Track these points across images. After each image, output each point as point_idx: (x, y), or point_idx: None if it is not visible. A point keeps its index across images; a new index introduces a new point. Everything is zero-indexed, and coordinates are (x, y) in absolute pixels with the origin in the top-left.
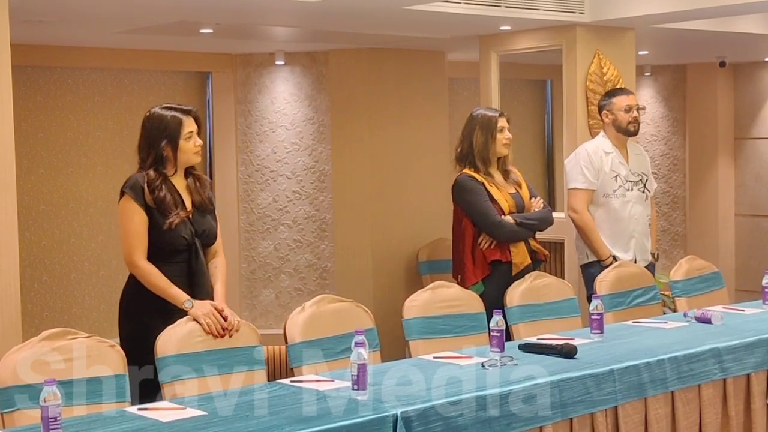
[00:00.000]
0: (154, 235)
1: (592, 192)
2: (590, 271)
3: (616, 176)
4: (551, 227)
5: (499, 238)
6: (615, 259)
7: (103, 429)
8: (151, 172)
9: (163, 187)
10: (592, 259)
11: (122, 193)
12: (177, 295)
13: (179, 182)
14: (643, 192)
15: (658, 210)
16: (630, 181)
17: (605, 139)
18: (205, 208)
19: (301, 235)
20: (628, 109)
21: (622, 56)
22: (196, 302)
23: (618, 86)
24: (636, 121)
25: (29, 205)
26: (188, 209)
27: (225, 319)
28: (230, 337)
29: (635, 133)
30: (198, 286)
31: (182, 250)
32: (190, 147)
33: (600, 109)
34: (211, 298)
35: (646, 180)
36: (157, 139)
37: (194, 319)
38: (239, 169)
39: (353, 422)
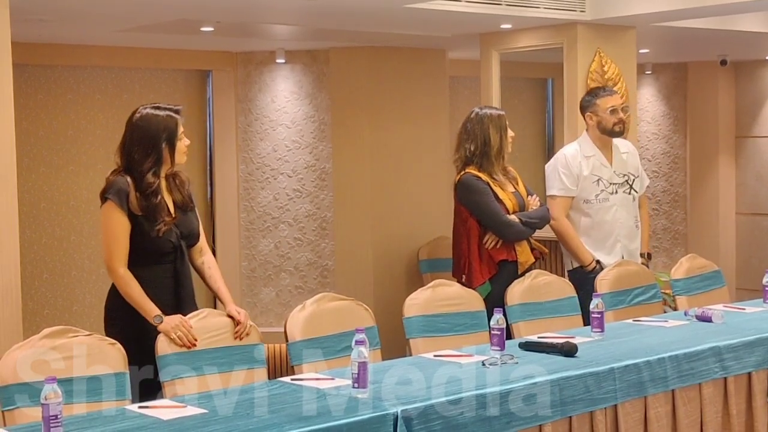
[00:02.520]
0: (141, 241)
1: (571, 199)
2: (575, 276)
3: (597, 180)
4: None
5: (508, 237)
6: (599, 263)
7: (104, 427)
8: (150, 176)
9: (159, 193)
10: (576, 265)
11: (105, 199)
12: (149, 309)
13: (162, 184)
14: (630, 194)
15: (658, 208)
16: (614, 184)
17: (587, 140)
18: (186, 206)
19: (301, 234)
20: (614, 110)
21: (623, 54)
22: (165, 317)
23: (615, 86)
24: (622, 122)
25: (30, 203)
26: (172, 212)
27: (239, 322)
28: (240, 339)
29: (621, 134)
30: (183, 287)
31: (168, 252)
32: (181, 147)
33: (583, 109)
34: (194, 300)
35: (633, 180)
36: (156, 141)
37: (164, 334)
38: (240, 168)
39: (353, 420)
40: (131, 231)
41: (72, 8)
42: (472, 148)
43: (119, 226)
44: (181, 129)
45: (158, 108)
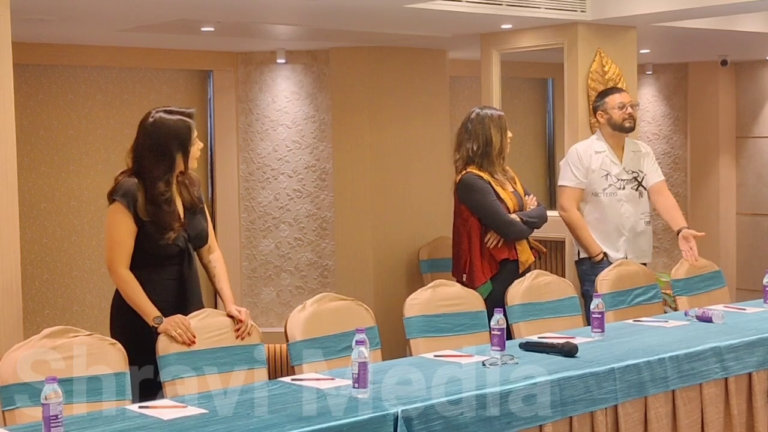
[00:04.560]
0: (147, 246)
1: (581, 190)
2: (581, 267)
3: (606, 175)
4: (551, 226)
5: (510, 236)
6: (606, 255)
7: (104, 427)
8: (162, 185)
9: (171, 201)
10: (584, 255)
11: (112, 200)
12: (149, 311)
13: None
14: (637, 190)
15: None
16: (622, 180)
17: (599, 138)
18: (194, 207)
19: (302, 234)
20: (622, 106)
21: (624, 55)
22: (165, 318)
23: (617, 86)
24: (631, 117)
25: (31, 203)
26: (181, 217)
27: (240, 321)
28: (242, 339)
29: (631, 129)
30: (189, 290)
31: (174, 255)
32: (195, 152)
33: (594, 110)
34: (201, 302)
35: (642, 178)
36: (168, 147)
37: (165, 333)
38: (240, 168)
39: (354, 421)
40: (137, 234)
41: (72, 8)
42: (474, 148)
43: (124, 229)
44: (194, 133)
45: (171, 112)
